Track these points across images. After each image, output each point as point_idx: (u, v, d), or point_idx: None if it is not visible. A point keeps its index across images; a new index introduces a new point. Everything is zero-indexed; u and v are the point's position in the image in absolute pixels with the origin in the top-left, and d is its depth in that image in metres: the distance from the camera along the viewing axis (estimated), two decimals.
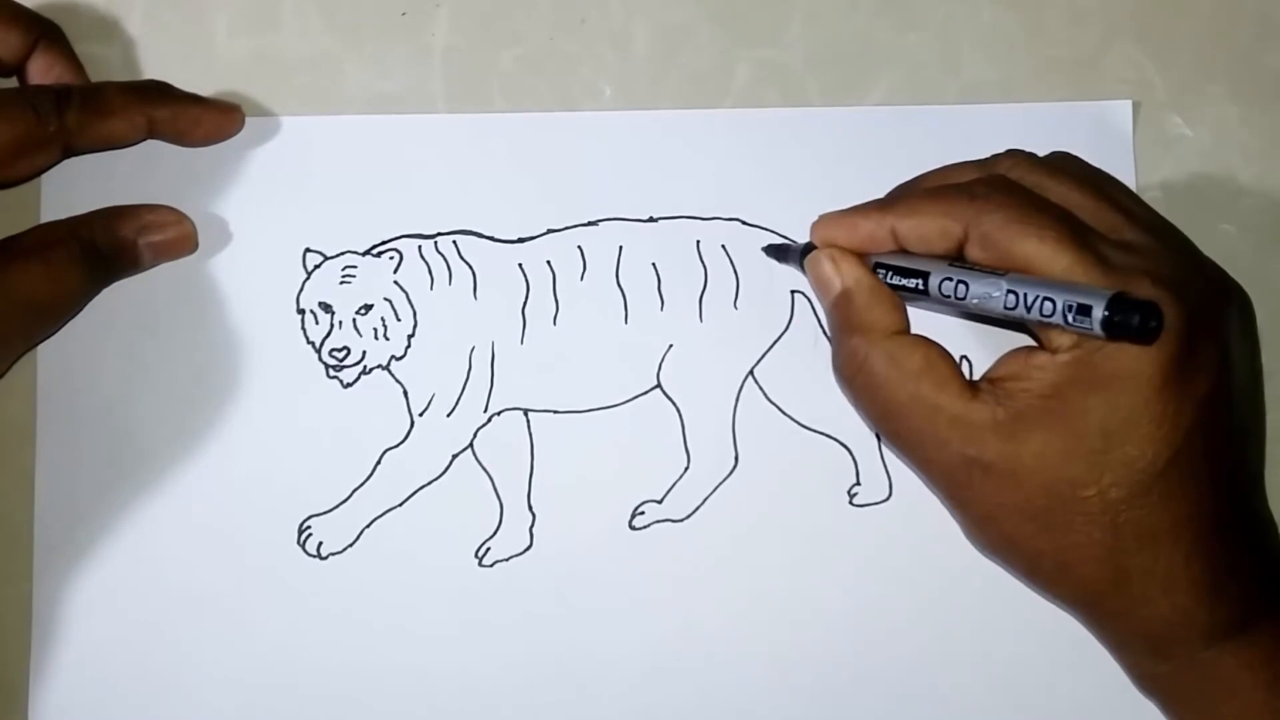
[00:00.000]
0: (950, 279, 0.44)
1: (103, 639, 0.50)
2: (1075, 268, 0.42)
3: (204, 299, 0.51)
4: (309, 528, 0.50)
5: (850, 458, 0.51)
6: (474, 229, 0.52)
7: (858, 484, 0.51)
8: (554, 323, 0.51)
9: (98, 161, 0.50)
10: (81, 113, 0.47)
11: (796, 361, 0.52)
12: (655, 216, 0.52)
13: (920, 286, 0.45)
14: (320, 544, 0.50)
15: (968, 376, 0.50)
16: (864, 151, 0.53)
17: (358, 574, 0.50)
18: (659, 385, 0.51)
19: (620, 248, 0.52)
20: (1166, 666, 0.45)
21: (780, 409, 0.52)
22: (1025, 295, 0.42)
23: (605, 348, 0.51)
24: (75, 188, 0.51)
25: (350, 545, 0.50)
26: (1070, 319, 0.41)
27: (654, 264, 0.52)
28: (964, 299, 0.44)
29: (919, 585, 0.51)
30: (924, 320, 0.48)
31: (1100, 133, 0.53)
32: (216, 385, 0.50)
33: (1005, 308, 0.42)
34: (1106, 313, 0.40)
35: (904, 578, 0.51)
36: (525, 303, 0.51)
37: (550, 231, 0.52)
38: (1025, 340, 0.48)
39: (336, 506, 0.50)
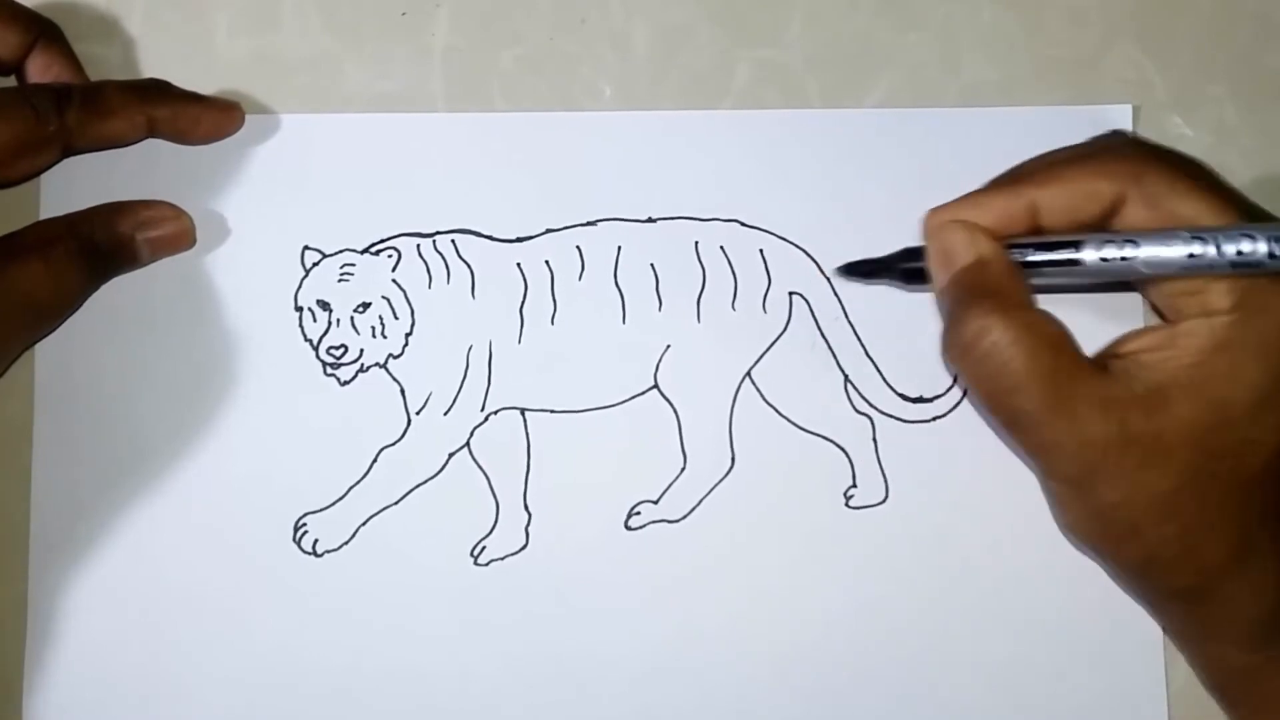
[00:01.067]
0: (1114, 241, 0.43)
1: (98, 636, 0.50)
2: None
3: (202, 296, 0.51)
4: (304, 525, 0.50)
5: (847, 460, 0.51)
6: (473, 228, 0.52)
7: (854, 486, 0.51)
8: (552, 322, 0.51)
9: (97, 160, 0.50)
10: (81, 112, 0.47)
11: (794, 363, 0.51)
12: (654, 217, 0.52)
13: (1071, 258, 0.43)
14: (316, 541, 0.50)
15: None
16: (863, 153, 0.53)
17: (353, 572, 0.50)
18: (656, 386, 0.51)
19: (619, 248, 0.52)
20: (1258, 657, 0.44)
21: (778, 410, 0.51)
22: (1219, 238, 0.41)
23: (603, 348, 0.51)
24: (74, 187, 0.51)
25: (346, 543, 0.50)
26: (1276, 251, 0.40)
27: (652, 264, 0.52)
28: (1131, 260, 0.42)
29: (915, 588, 0.50)
30: None
31: None
32: (214, 382, 0.50)
33: (1189, 258, 0.41)
34: None
35: (900, 580, 0.50)
36: (523, 302, 0.51)
37: (549, 231, 0.52)
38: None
39: (332, 504, 0.50)
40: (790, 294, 0.52)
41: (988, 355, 0.43)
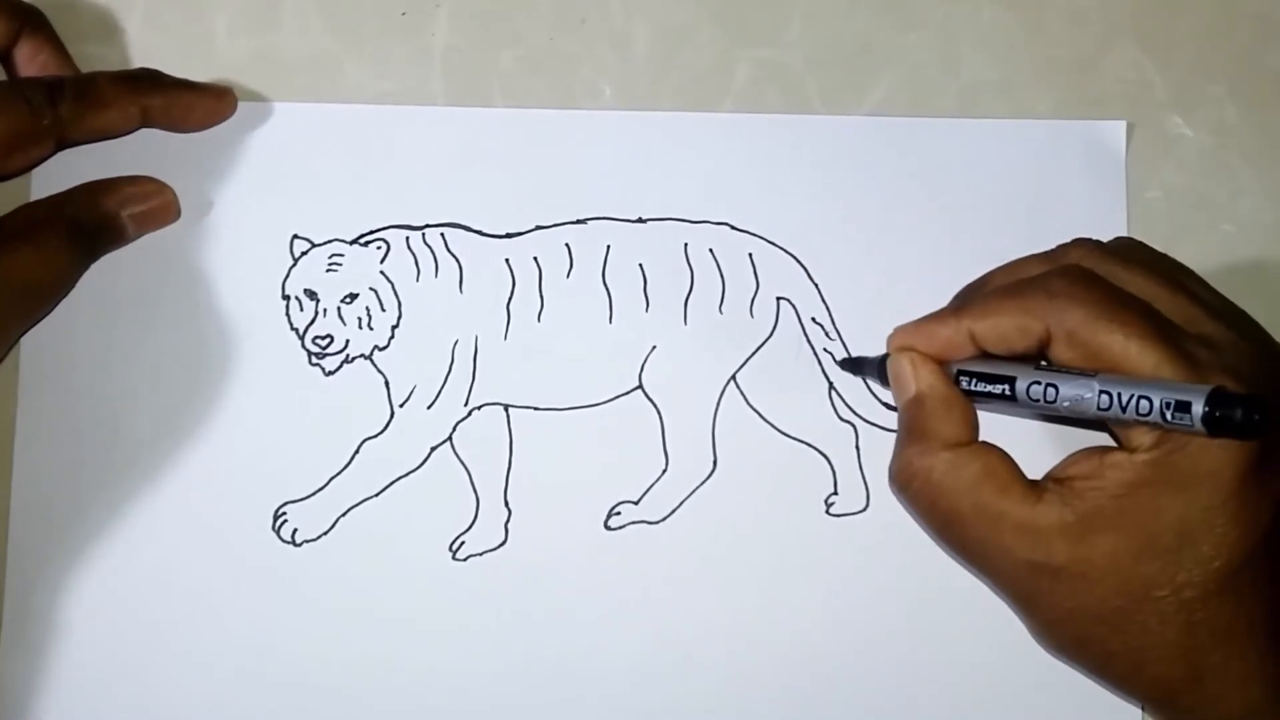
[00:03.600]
0: (1039, 383, 0.43)
1: (74, 624, 0.50)
2: (1164, 365, 0.41)
3: (190, 283, 0.51)
4: (284, 514, 0.50)
5: (829, 467, 0.50)
6: (462, 222, 0.52)
7: (835, 493, 0.50)
8: (538, 319, 0.51)
9: (88, 151, 0.50)
10: (75, 104, 0.47)
11: (779, 368, 0.51)
12: (644, 217, 0.52)
13: (1007, 392, 0.44)
14: (295, 531, 0.50)
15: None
16: (858, 160, 0.52)
17: (331, 563, 0.50)
18: (640, 386, 0.51)
19: (608, 247, 0.52)
20: None
21: (761, 415, 0.51)
22: (1120, 395, 0.41)
23: (588, 346, 0.51)
24: (66, 180, 0.50)
25: (325, 533, 0.50)
26: (1169, 417, 0.40)
27: (640, 265, 0.52)
28: (1054, 402, 0.43)
29: (894, 595, 0.50)
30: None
31: (1093, 150, 0.52)
32: (198, 370, 0.51)
33: (1099, 409, 0.42)
34: (1207, 408, 0.39)
35: (879, 588, 0.50)
36: (510, 298, 0.51)
37: (539, 228, 0.52)
38: (1085, 439, 0.47)
39: (313, 494, 0.51)
40: (778, 299, 0.51)
41: (919, 494, 0.46)
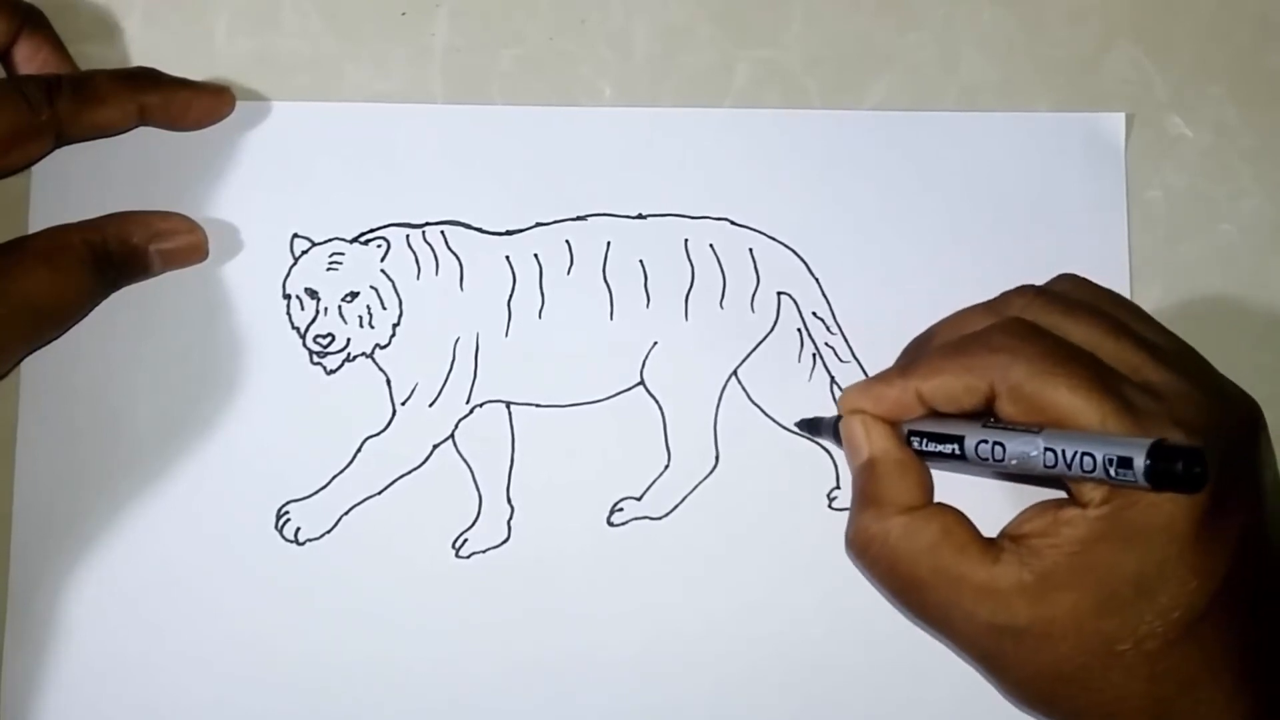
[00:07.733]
0: (986, 441, 0.43)
1: (77, 624, 0.50)
2: (1109, 418, 0.41)
3: (190, 283, 0.51)
4: (287, 513, 0.50)
5: (831, 461, 0.51)
6: (463, 220, 0.52)
7: (837, 487, 0.51)
8: (539, 316, 0.52)
9: (87, 150, 0.50)
10: (73, 100, 0.47)
11: (780, 363, 0.51)
12: (644, 214, 0.52)
13: (956, 451, 0.44)
14: (298, 530, 0.50)
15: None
16: (857, 156, 0.52)
17: (335, 561, 0.50)
18: (642, 382, 0.51)
19: (608, 244, 0.52)
20: None
21: (763, 410, 0.51)
22: (1064, 452, 0.41)
23: (589, 343, 0.51)
24: (66, 177, 0.51)
25: (328, 532, 0.50)
26: (1113, 473, 0.40)
27: (641, 261, 0.52)
28: (1002, 460, 0.42)
29: None
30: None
31: (1093, 143, 0.52)
32: (200, 369, 0.51)
33: (1045, 466, 0.41)
34: (1149, 462, 0.39)
35: None
36: (511, 295, 0.52)
37: (539, 225, 0.52)
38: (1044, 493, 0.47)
39: (316, 493, 0.50)
40: (779, 294, 0.52)
41: (877, 559, 0.46)
